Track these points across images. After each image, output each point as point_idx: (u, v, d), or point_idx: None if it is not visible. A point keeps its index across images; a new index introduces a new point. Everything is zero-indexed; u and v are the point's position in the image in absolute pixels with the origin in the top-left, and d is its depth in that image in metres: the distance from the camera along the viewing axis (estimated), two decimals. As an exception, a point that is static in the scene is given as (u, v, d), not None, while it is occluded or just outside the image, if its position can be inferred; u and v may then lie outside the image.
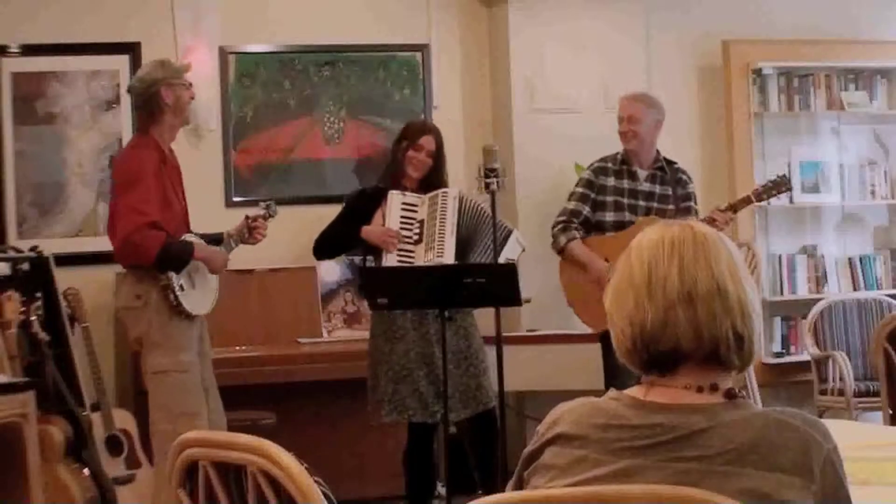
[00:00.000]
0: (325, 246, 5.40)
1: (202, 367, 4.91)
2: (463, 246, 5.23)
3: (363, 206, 5.34)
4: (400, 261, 5.20)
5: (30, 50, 6.14)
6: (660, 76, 6.83)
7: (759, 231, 7.06)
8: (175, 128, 4.96)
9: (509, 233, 5.35)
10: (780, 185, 5.65)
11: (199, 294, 4.85)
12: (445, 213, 5.21)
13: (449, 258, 5.16)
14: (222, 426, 4.88)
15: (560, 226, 5.74)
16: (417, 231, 5.24)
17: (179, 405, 4.74)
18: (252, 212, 5.16)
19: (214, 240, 5.03)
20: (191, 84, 4.96)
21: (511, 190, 6.30)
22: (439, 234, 5.20)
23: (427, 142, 5.30)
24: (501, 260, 5.11)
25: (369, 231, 5.25)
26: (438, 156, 5.32)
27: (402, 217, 5.25)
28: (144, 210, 4.67)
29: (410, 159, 5.28)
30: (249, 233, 5.06)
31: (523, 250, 5.44)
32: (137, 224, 4.65)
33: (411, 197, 5.28)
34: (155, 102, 4.83)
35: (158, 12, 6.30)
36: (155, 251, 4.66)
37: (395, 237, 5.22)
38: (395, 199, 5.27)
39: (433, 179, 5.31)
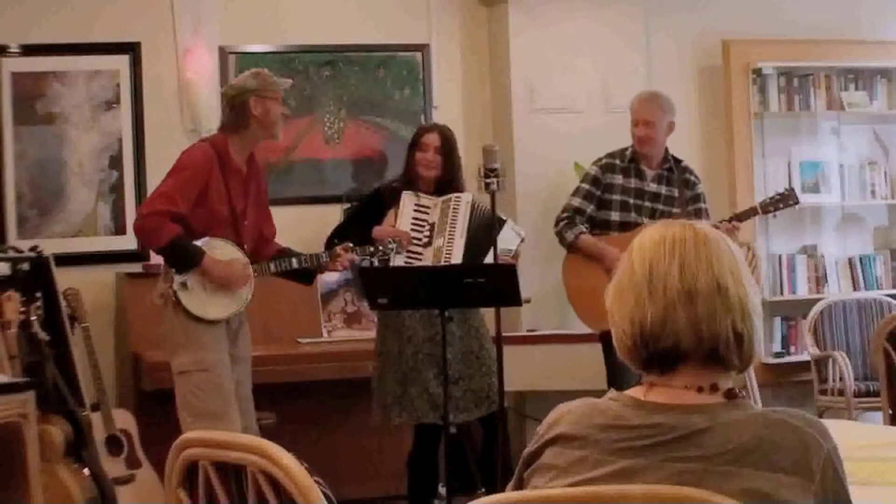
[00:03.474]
0: (337, 242, 5.38)
1: (236, 371, 4.86)
2: (473, 251, 5.21)
3: (377, 204, 5.31)
4: (408, 262, 5.18)
5: (30, 50, 6.13)
6: (660, 76, 6.83)
7: (759, 231, 7.05)
8: (259, 139, 4.92)
9: (502, 223, 5.29)
10: (787, 199, 5.64)
11: (214, 298, 4.78)
12: (457, 217, 5.19)
13: (456, 261, 5.15)
14: (254, 431, 4.80)
15: (564, 222, 5.70)
16: (427, 234, 5.22)
17: (201, 405, 4.71)
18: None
19: (284, 254, 5.01)
20: (283, 99, 4.92)
21: (511, 190, 6.30)
22: (449, 236, 5.19)
23: (431, 139, 5.26)
24: (498, 250, 5.07)
25: (380, 231, 5.22)
26: (447, 153, 5.26)
27: (413, 219, 5.23)
28: (174, 199, 4.68)
29: (420, 160, 5.26)
30: (331, 259, 4.99)
31: (523, 240, 5.40)
32: (159, 209, 4.67)
33: (425, 199, 5.25)
34: (242, 112, 4.80)
35: (159, 13, 6.30)
36: (164, 241, 4.67)
37: (405, 238, 5.20)
38: (408, 199, 5.25)
39: (447, 180, 5.26)
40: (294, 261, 4.98)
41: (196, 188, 4.72)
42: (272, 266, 4.96)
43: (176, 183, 4.72)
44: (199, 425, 4.47)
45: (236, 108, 4.82)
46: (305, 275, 5.09)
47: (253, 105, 4.79)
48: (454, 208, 5.22)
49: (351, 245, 5.02)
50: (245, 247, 4.89)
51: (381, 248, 5.07)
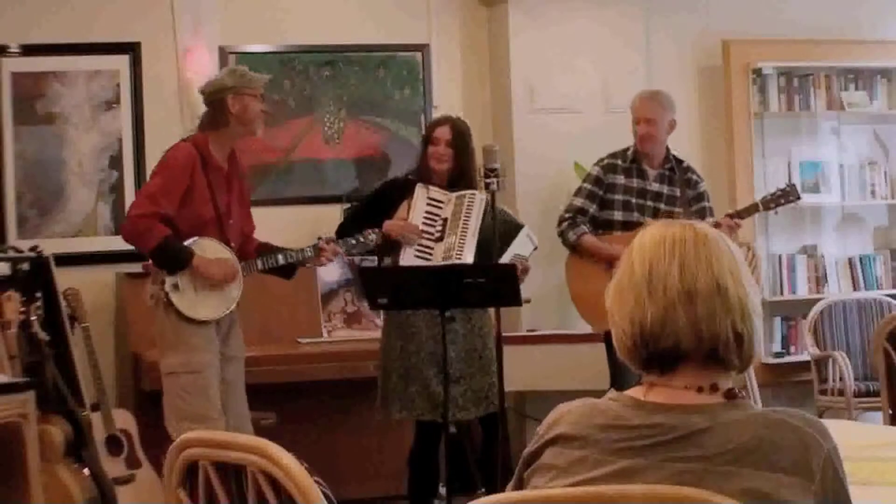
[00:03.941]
0: (348, 231, 5.36)
1: (228, 371, 4.87)
2: (485, 250, 5.19)
3: (391, 195, 5.29)
4: (418, 256, 5.17)
5: (30, 50, 6.13)
6: (660, 76, 6.82)
7: (759, 231, 7.05)
8: (238, 136, 4.92)
9: (519, 228, 5.32)
10: (789, 195, 5.64)
11: (205, 298, 4.80)
12: (470, 214, 5.17)
13: (468, 259, 5.14)
14: (247, 431, 4.80)
15: (567, 222, 5.71)
16: (440, 229, 5.21)
17: (187, 407, 4.72)
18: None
19: (267, 250, 5.02)
20: (263, 96, 4.90)
21: (511, 190, 6.30)
22: (461, 234, 5.16)
23: (442, 132, 5.24)
24: (509, 255, 5.08)
25: (390, 225, 5.21)
26: (459, 146, 5.23)
27: (426, 212, 5.21)
28: (160, 201, 4.69)
29: (431, 154, 5.25)
30: (316, 254, 5.00)
31: (535, 248, 5.39)
32: (149, 211, 4.68)
33: (438, 193, 5.24)
34: (220, 110, 4.82)
35: (159, 13, 6.30)
36: (154, 243, 4.68)
37: (415, 232, 5.20)
38: (420, 193, 5.23)
39: (459, 173, 5.24)
40: (280, 257, 5.00)
41: (181, 187, 4.73)
42: (259, 263, 4.97)
43: (161, 183, 4.74)
44: (183, 428, 4.46)
45: (214, 105, 4.84)
46: (288, 269, 5.09)
47: (231, 103, 4.80)
48: (468, 206, 5.19)
49: (333, 237, 5.06)
50: (232, 245, 4.89)
51: (361, 239, 5.07)
